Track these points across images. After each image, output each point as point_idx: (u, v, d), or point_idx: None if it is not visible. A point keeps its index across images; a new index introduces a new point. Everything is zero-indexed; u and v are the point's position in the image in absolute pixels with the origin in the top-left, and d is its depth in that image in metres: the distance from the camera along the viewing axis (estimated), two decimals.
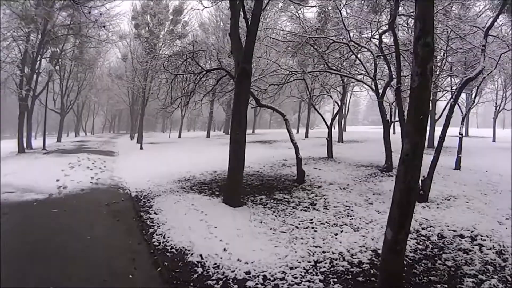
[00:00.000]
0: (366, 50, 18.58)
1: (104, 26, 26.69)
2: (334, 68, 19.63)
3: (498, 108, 37.11)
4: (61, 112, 42.66)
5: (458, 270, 7.56)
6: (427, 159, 15.08)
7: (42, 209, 11.74)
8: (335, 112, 26.18)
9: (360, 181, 15.83)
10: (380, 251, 7.83)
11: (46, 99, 32.05)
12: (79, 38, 32.18)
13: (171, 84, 16.82)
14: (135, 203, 12.98)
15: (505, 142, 32.76)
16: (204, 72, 16.09)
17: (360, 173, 17.45)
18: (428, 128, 27.36)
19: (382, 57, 17.35)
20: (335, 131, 24.33)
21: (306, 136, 39.79)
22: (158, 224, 10.42)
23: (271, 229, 9.90)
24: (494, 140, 33.01)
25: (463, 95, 29.23)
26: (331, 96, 25.17)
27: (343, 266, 7.71)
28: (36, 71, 29.94)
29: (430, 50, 5.84)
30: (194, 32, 40.51)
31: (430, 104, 29.05)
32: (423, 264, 7.74)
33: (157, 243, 9.00)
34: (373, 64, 18.35)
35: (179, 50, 18.46)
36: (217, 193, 13.80)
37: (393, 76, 16.36)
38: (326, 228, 10.07)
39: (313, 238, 9.26)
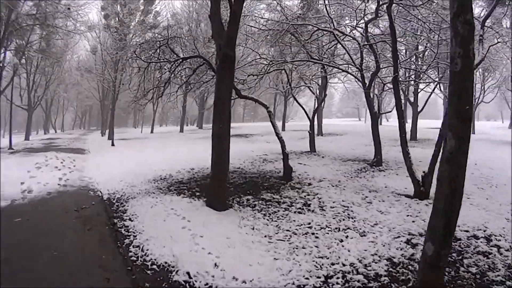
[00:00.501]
0: (351, 39, 17.75)
1: (69, 9, 25.09)
2: (316, 57, 18.67)
3: (477, 100, 37.64)
4: (29, 108, 40.64)
5: (484, 277, 6.86)
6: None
7: (2, 220, 10.27)
8: (315, 104, 25.28)
9: (352, 177, 14.95)
10: (395, 260, 7.46)
11: (11, 95, 30.13)
12: (45, 29, 30.27)
13: (143, 73, 15.27)
14: (107, 207, 11.59)
15: (483, 133, 33.49)
16: (180, 60, 14.55)
17: (349, 168, 16.62)
18: (411, 121, 27.23)
19: (368, 46, 16.68)
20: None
21: (283, 129, 39.00)
22: (134, 233, 9.11)
23: (265, 236, 8.73)
24: (473, 132, 32.74)
25: None
26: (310, 88, 24.17)
27: (359, 281, 6.66)
28: (0, 65, 28.23)
29: (471, 28, 4.87)
30: (166, 23, 39.15)
31: (413, 96, 28.93)
32: (446, 273, 6.77)
33: (135, 258, 7.70)
34: (358, 54, 17.59)
35: (152, 37, 16.98)
36: (197, 194, 12.48)
37: (380, 66, 15.75)
38: (328, 233, 9.00)
39: (316, 246, 8.16)
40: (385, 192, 12.58)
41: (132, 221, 10.03)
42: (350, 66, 19.10)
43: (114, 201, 12.30)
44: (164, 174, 15.99)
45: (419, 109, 28.76)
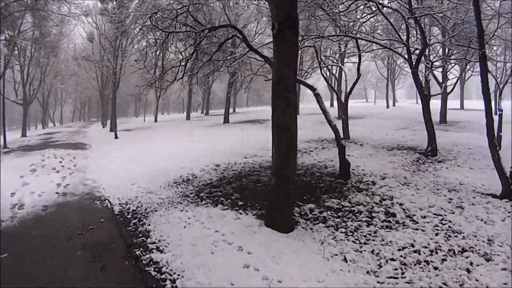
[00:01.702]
0: (393, 11, 14.99)
1: None
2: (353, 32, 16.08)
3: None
4: (24, 103, 37.57)
5: None
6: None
7: None
8: (348, 83, 22.31)
9: (414, 171, 12.44)
10: None
11: (3, 88, 27.12)
12: (37, 14, 27.14)
13: (162, 47, 12.04)
14: (122, 228, 8.63)
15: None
16: (207, 30, 11.33)
17: (402, 159, 14.03)
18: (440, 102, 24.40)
19: (413, 20, 14.65)
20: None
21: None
22: (170, 275, 6.14)
23: (368, 272, 5.99)
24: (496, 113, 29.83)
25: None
26: (341, 66, 21.26)
27: None
28: None
29: None
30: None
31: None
32: None
33: None
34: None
35: (167, 4, 13.63)
36: (240, 203, 9.51)
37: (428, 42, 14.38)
38: (445, 259, 6.49)
39: (444, 284, 5.72)
40: (466, 191, 10.35)
41: (162, 252, 7.05)
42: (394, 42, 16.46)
43: (129, 216, 9.38)
44: (186, 174, 13.01)
45: (448, 90, 25.84)
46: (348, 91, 18.89)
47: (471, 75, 30.74)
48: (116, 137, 27.23)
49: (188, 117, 41.87)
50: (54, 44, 37.47)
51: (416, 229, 7.64)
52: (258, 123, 29.06)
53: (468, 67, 26.98)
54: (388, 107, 42.18)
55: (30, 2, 25.39)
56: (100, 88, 46.99)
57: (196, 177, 12.58)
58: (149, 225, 8.53)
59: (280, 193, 7.81)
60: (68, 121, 77.01)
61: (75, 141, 28.32)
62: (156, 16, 11.58)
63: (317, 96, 12.21)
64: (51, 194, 11.78)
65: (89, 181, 13.64)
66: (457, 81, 25.70)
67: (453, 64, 24.87)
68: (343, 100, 19.24)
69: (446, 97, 25.50)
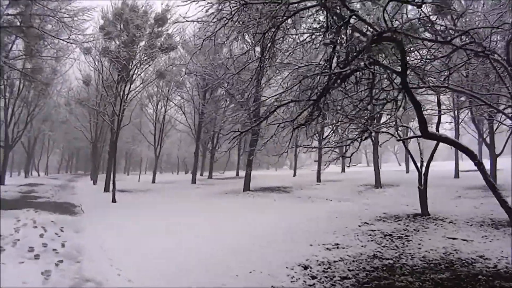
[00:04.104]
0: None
1: None
2: None
3: None
4: (5, 145, 32.43)
5: None
6: None
7: None
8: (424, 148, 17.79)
9: None
10: None
11: None
12: (30, 37, 22.13)
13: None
14: None
15: None
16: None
17: None
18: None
19: None
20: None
21: (318, 180, 31.18)
22: None
23: None
24: None
25: None
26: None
27: None
28: None
29: None
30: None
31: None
32: None
33: None
34: None
35: None
36: None
37: None
38: None
39: None
40: None
41: None
42: None
43: None
44: None
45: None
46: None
47: None
48: (114, 200, 21.76)
49: (193, 180, 36.29)
50: (47, 82, 32.58)
51: None
52: (283, 192, 24.40)
53: None
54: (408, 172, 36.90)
55: (24, 19, 20.62)
56: (93, 139, 42.09)
57: None
58: None
59: None
60: (54, 171, 71.74)
61: (62, 199, 22.95)
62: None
63: (480, 165, 7.80)
64: None
65: (89, 281, 8.08)
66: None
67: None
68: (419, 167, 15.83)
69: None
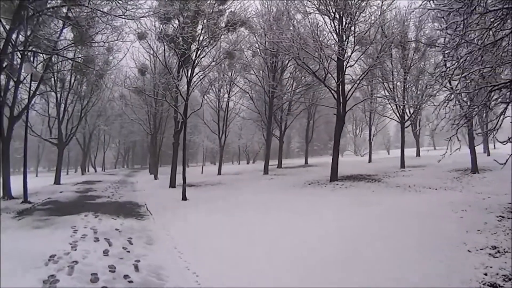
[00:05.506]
0: None
1: None
2: None
3: None
4: (59, 143, 30.08)
5: None
6: None
7: None
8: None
9: None
10: None
11: (26, 121, 19.31)
12: (79, 27, 19.40)
13: None
14: None
15: None
16: None
17: None
18: None
19: None
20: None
21: (402, 166, 27.75)
22: None
23: None
24: None
25: None
26: None
27: None
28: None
29: None
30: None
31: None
32: None
33: None
34: None
35: None
36: None
37: None
38: None
39: None
40: None
41: None
42: None
43: None
44: None
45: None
46: None
47: None
48: (184, 197, 18.71)
49: (266, 171, 32.23)
50: (100, 73, 30.02)
51: None
52: (372, 181, 20.64)
53: None
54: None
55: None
56: (152, 131, 39.47)
57: None
58: None
59: None
60: (110, 166, 71.22)
61: (123, 198, 20.14)
62: None
63: None
64: None
65: None
66: None
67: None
68: None
69: None
